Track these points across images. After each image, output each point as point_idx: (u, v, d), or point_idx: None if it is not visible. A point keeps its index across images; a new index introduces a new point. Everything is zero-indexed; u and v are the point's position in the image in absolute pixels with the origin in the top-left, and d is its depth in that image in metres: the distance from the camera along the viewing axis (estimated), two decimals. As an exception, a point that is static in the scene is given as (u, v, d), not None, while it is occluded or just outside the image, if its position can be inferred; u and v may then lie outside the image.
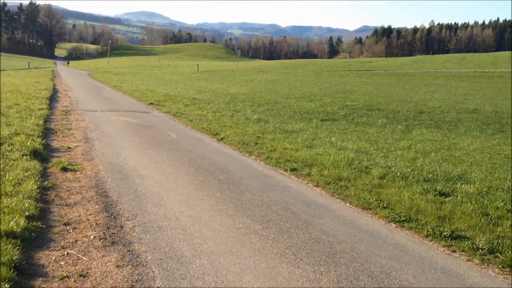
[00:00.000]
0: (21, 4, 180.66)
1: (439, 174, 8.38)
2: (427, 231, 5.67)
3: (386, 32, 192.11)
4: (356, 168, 8.72)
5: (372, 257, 4.85)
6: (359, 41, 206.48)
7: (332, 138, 12.30)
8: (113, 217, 5.68)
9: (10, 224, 4.80)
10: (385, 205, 6.59)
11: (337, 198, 7.09)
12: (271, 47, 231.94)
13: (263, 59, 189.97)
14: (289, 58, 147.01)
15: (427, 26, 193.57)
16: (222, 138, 11.90)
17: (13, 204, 5.49)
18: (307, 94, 25.41)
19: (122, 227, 5.37)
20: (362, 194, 7.14)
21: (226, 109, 18.40)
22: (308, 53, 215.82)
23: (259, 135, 12.36)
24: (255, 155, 10.06)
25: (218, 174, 8.13)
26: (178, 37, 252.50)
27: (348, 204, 6.78)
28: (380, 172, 8.36)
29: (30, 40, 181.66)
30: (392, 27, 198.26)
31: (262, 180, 7.94)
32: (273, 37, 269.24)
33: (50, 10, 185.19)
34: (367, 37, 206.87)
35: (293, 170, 8.72)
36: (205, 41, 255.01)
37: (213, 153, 10.06)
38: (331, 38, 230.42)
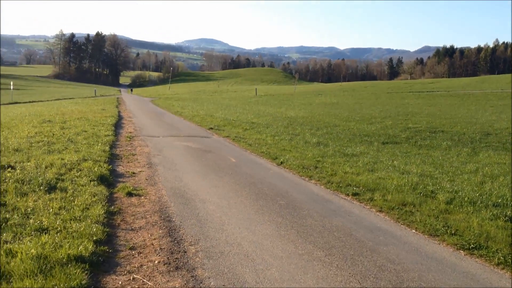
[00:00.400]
0: (88, 35, 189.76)
1: (509, 198, 7.97)
2: (498, 259, 5.39)
3: (448, 52, 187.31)
4: (421, 193, 8.45)
5: (441, 286, 4.64)
6: (420, 61, 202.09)
7: (395, 162, 12.02)
8: (177, 242, 5.75)
9: (79, 249, 4.95)
10: (453, 232, 6.32)
11: (402, 224, 6.87)
12: (329, 70, 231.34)
13: (321, 82, 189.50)
14: (348, 81, 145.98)
15: (491, 45, 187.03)
16: (281, 162, 11.87)
17: (82, 228, 5.67)
18: (367, 117, 25.04)
19: (185, 252, 5.42)
20: (428, 220, 6.89)
21: (285, 133, 18.40)
22: (367, 75, 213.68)
23: (319, 159, 12.24)
24: (315, 179, 9.95)
25: (278, 199, 8.08)
26: (236, 62, 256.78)
27: (413, 231, 6.56)
28: (447, 197, 8.06)
29: (97, 69, 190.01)
30: (455, 47, 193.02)
31: (323, 205, 7.82)
32: (331, 60, 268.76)
33: (115, 40, 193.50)
34: (429, 57, 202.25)
35: (355, 194, 8.55)
36: (263, 65, 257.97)
37: (273, 178, 10.04)
38: (391, 60, 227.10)
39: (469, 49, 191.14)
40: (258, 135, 17.73)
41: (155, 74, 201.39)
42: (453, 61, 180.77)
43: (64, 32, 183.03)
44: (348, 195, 8.60)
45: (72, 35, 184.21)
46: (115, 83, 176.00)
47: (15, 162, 9.37)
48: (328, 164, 11.51)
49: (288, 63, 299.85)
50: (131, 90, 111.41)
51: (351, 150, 13.96)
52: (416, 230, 6.56)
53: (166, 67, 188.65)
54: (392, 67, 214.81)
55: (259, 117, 26.06)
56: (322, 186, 9.38)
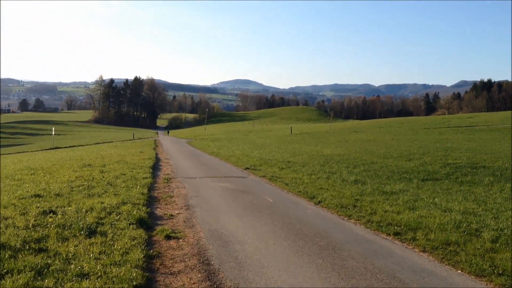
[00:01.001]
0: (127, 79, 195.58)
1: (559, 236, 7.62)
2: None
3: (486, 86, 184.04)
4: (464, 231, 8.17)
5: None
6: (458, 96, 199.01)
7: (436, 199, 11.69)
8: (216, 287, 5.67)
9: (119, 294, 4.94)
10: (500, 272, 6.06)
11: (446, 264, 6.63)
12: (364, 107, 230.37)
13: (357, 119, 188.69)
14: (384, 117, 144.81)
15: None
16: (319, 202, 11.73)
17: (122, 273, 5.68)
18: (405, 153, 24.61)
19: (224, 296, 5.33)
20: (474, 259, 6.62)
21: (322, 171, 18.23)
22: (403, 111, 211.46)
23: (357, 197, 12.04)
24: (354, 219, 9.77)
25: (317, 240, 7.94)
26: (271, 102, 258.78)
27: (459, 271, 6.31)
28: (492, 235, 7.76)
29: (135, 113, 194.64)
30: (492, 81, 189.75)
31: (364, 245, 7.63)
32: (366, 96, 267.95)
33: (153, 84, 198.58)
34: (466, 92, 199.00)
35: (396, 234, 8.33)
36: (297, 104, 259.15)
37: (311, 217, 9.90)
38: (427, 95, 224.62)
39: (507, 82, 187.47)
40: (294, 174, 17.63)
41: (191, 116, 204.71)
42: (491, 95, 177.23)
43: (104, 78, 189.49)
44: (389, 234, 8.38)
45: (112, 81, 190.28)
46: (153, 126, 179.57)
47: (57, 207, 9.56)
48: (367, 202, 11.31)
49: (323, 101, 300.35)
50: (168, 132, 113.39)
51: (390, 188, 13.69)
52: (461, 271, 6.32)
53: (202, 109, 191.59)
54: (429, 102, 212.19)
55: (295, 155, 25.97)
56: (361, 226, 9.19)
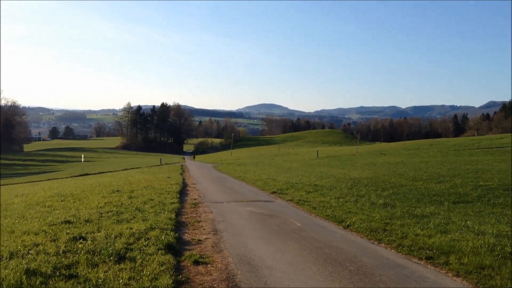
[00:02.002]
0: (153, 106, 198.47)
1: None
2: None
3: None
4: (499, 255, 7.95)
5: None
6: (487, 117, 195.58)
7: (468, 222, 11.43)
8: (245, 312, 5.61)
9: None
10: (539, 297, 5.85)
11: (482, 289, 6.43)
12: (391, 129, 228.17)
13: (384, 141, 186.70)
14: (411, 139, 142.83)
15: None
16: (348, 225, 11.58)
17: (151, 299, 5.67)
18: (435, 176, 24.19)
19: (253, 323, 5.27)
20: (510, 284, 6.44)
21: (349, 194, 18.04)
22: (431, 133, 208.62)
23: (387, 221, 11.85)
24: (384, 243, 9.61)
25: (348, 264, 7.81)
26: (296, 126, 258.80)
27: (496, 297, 6.11)
28: (528, 259, 7.52)
29: (162, 138, 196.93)
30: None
31: (395, 270, 7.48)
32: (393, 119, 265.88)
33: (179, 110, 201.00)
34: (495, 112, 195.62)
35: (428, 258, 8.16)
36: (323, 127, 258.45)
37: (340, 242, 9.77)
38: (455, 116, 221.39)
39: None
40: (321, 197, 17.49)
41: (217, 141, 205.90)
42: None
43: (132, 105, 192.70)
44: (421, 259, 8.21)
45: (139, 108, 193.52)
46: (179, 151, 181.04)
47: (86, 233, 9.65)
48: (397, 226, 11.12)
49: (349, 123, 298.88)
50: (194, 157, 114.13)
51: (420, 211, 13.45)
52: (498, 296, 6.12)
53: (228, 133, 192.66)
54: (457, 123, 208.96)
55: (322, 179, 25.80)
56: (392, 250, 9.03)
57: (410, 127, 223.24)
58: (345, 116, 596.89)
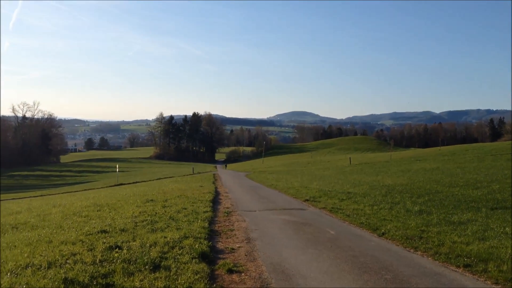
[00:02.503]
0: (185, 116, 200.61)
1: None
2: None
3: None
4: (541, 263, 7.69)
5: None
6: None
7: (506, 229, 11.12)
8: (279, 321, 5.58)
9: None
10: None
11: (524, 298, 6.24)
12: (426, 135, 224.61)
13: (418, 147, 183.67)
14: (446, 145, 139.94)
15: None
16: (383, 233, 11.41)
17: (186, 308, 5.69)
18: (472, 181, 23.65)
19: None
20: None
21: (384, 201, 17.80)
22: (467, 138, 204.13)
23: (423, 228, 11.64)
24: (421, 251, 9.43)
25: (383, 273, 7.69)
26: (328, 133, 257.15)
27: (539, 306, 5.91)
28: None
29: (194, 148, 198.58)
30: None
31: (433, 279, 7.33)
32: (427, 124, 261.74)
33: (210, 119, 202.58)
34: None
35: (466, 266, 7.97)
36: (355, 134, 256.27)
37: (375, 250, 9.63)
38: (491, 120, 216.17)
39: None
40: (355, 205, 17.29)
41: (248, 149, 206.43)
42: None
43: (164, 115, 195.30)
44: (459, 266, 8.03)
45: (171, 117, 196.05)
46: (211, 160, 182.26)
47: (122, 242, 9.78)
48: (433, 233, 10.91)
49: (382, 130, 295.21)
50: (226, 166, 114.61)
51: (457, 218, 13.15)
52: (542, 306, 5.92)
53: (259, 142, 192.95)
54: (494, 128, 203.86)
55: (355, 186, 25.54)
56: (429, 258, 8.85)
57: (445, 133, 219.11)
58: (378, 122, 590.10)
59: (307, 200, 19.96)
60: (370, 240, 10.77)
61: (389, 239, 10.77)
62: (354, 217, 14.31)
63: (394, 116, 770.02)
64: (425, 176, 30.64)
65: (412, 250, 9.56)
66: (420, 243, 10.04)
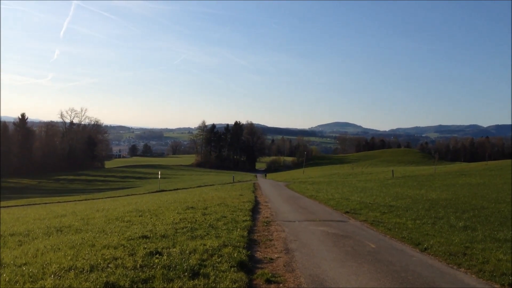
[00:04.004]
0: (227, 125, 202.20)
1: None
2: None
3: None
4: None
5: None
6: None
7: (557, 248, 10.68)
8: (317, 334, 5.53)
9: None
10: None
11: None
12: (472, 149, 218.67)
13: (464, 161, 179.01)
14: (494, 159, 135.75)
15: None
16: (425, 248, 11.15)
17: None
18: (519, 198, 22.90)
19: None
20: None
21: (427, 216, 17.40)
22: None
23: (467, 245, 11.31)
24: (464, 268, 9.17)
25: (424, 289, 7.51)
26: (371, 144, 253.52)
27: None
28: None
29: (235, 156, 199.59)
30: None
31: (476, 297, 7.11)
32: (474, 138, 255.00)
33: (252, 128, 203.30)
34: None
35: (511, 285, 7.69)
36: (399, 146, 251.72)
37: (416, 265, 9.42)
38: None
39: None
40: (397, 219, 16.97)
41: (289, 159, 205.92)
42: None
43: (206, 124, 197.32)
44: (503, 285, 7.79)
45: (213, 126, 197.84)
46: (252, 169, 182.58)
47: (162, 248, 9.91)
48: (478, 250, 10.58)
49: (426, 142, 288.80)
50: (266, 175, 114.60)
51: (503, 235, 12.73)
52: None
53: (300, 152, 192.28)
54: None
55: (398, 199, 25.09)
56: (473, 275, 8.60)
57: (492, 147, 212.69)
58: (423, 135, 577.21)
59: (348, 212, 19.73)
60: (412, 255, 10.54)
61: (432, 255, 10.51)
62: (395, 231, 14.04)
63: (440, 129, 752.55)
64: (471, 191, 29.83)
65: (455, 267, 9.31)
66: (463, 259, 9.76)
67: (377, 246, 11.62)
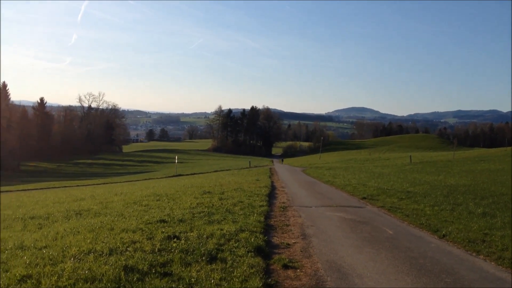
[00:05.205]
0: (244, 109, 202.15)
1: None
2: None
3: None
4: None
5: None
6: None
7: None
8: (334, 320, 5.52)
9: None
10: None
11: None
12: (492, 134, 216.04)
13: (483, 147, 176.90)
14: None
15: None
16: (443, 235, 11.06)
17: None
18: (540, 184, 22.58)
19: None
20: None
21: (445, 202, 17.24)
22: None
23: (486, 232, 11.19)
24: (483, 255, 9.08)
25: (443, 276, 7.46)
26: (388, 130, 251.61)
27: None
28: None
29: (251, 141, 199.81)
30: None
31: (495, 284, 7.06)
32: (493, 123, 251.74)
33: (268, 113, 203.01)
34: None
35: (532, 273, 7.60)
36: (417, 132, 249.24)
37: (435, 252, 9.35)
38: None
39: None
40: (415, 205, 16.84)
41: (305, 144, 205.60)
42: None
43: (223, 108, 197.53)
44: (524, 273, 7.67)
45: (230, 111, 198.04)
46: (268, 154, 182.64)
47: (180, 233, 9.97)
48: (497, 237, 10.47)
49: (445, 128, 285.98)
50: (282, 161, 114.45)
51: (523, 222, 12.56)
52: None
53: (317, 137, 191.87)
54: None
55: (415, 185, 24.90)
56: (492, 263, 8.52)
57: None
58: (441, 120, 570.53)
59: (365, 198, 19.63)
60: (430, 242, 10.46)
61: (450, 242, 10.43)
62: (413, 217, 13.95)
63: (458, 114, 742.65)
64: (490, 178, 29.49)
65: (474, 254, 9.23)
66: (482, 246, 9.67)
67: (394, 233, 11.56)
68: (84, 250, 8.17)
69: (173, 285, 6.38)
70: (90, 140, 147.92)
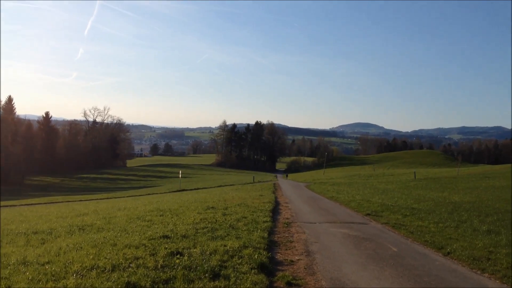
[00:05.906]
0: (248, 124, 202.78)
1: None
2: None
3: None
4: None
5: None
6: None
7: None
8: None
9: None
10: None
11: None
12: (496, 151, 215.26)
13: (488, 163, 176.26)
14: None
15: None
16: (448, 253, 10.98)
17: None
18: (545, 201, 22.44)
19: None
20: None
21: (450, 219, 17.15)
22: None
23: (491, 249, 11.11)
24: (488, 273, 9.01)
25: (448, 295, 7.40)
26: (392, 146, 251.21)
27: None
28: None
29: (255, 156, 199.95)
30: None
31: (501, 304, 6.97)
32: (498, 139, 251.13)
33: (273, 128, 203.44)
34: None
35: (538, 292, 7.53)
36: (421, 147, 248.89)
37: (439, 270, 9.29)
38: None
39: None
40: (419, 221, 16.75)
41: (309, 159, 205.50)
42: None
43: (227, 123, 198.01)
44: (530, 292, 7.59)
45: (234, 126, 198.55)
46: (272, 169, 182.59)
47: (183, 249, 9.95)
48: (502, 255, 10.39)
49: (449, 144, 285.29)
50: (286, 176, 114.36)
51: (529, 240, 12.47)
52: None
53: (321, 152, 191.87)
54: None
55: (420, 202, 24.79)
56: (497, 281, 8.45)
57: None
58: (445, 136, 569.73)
59: (369, 214, 19.54)
60: (434, 259, 10.40)
61: (455, 259, 10.36)
62: (418, 234, 13.87)
63: (463, 130, 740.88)
64: (494, 194, 29.35)
65: (479, 272, 9.16)
66: (487, 264, 9.60)
67: (399, 250, 11.49)
68: (86, 266, 8.15)
69: (176, 302, 6.35)
70: (94, 154, 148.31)
